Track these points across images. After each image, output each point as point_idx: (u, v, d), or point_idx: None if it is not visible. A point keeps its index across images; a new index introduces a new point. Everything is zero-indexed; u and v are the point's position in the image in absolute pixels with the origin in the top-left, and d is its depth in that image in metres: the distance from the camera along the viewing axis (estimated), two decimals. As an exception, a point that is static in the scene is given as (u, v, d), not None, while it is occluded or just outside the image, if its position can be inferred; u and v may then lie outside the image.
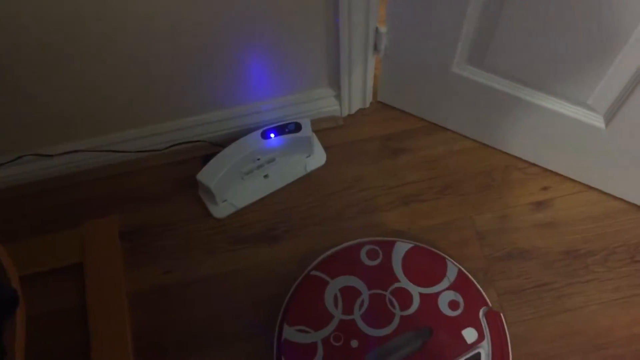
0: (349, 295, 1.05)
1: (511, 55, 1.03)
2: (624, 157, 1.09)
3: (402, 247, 1.09)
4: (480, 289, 1.06)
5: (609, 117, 1.03)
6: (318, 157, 1.27)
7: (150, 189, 1.25)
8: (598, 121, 1.06)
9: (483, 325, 1.02)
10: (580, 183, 1.22)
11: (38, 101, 1.08)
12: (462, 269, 1.07)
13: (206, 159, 1.19)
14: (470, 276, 1.07)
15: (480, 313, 1.03)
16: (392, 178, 1.25)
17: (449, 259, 1.09)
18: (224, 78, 1.13)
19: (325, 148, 1.27)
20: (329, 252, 1.11)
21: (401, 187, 1.24)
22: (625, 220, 1.18)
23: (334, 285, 1.05)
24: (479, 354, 1.00)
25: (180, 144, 1.25)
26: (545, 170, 1.23)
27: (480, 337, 1.01)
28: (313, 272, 1.07)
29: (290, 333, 1.02)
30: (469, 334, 1.01)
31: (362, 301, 1.04)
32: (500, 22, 0.96)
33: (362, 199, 1.23)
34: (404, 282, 1.05)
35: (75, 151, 1.20)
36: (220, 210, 1.22)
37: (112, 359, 1.09)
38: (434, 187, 1.23)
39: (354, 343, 1.01)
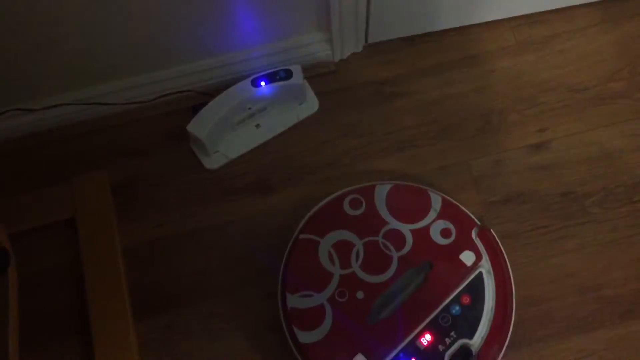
0: (342, 249, 1.04)
1: None
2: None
3: (382, 190, 1.08)
4: (466, 210, 1.06)
5: None
6: (311, 105, 1.24)
7: (140, 141, 1.23)
8: None
9: (478, 245, 1.03)
10: (577, 123, 1.19)
11: (18, 53, 1.04)
12: (445, 196, 1.07)
13: (196, 109, 1.16)
14: (454, 201, 1.07)
15: (473, 234, 1.03)
16: (387, 123, 1.22)
17: (430, 189, 1.08)
18: (210, 23, 1.09)
19: (318, 95, 1.24)
20: (311, 212, 1.09)
21: (396, 132, 1.21)
22: (623, 161, 1.17)
23: (326, 244, 1.04)
24: (480, 274, 1.00)
25: (168, 94, 1.21)
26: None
27: (478, 257, 1.02)
28: (302, 236, 1.05)
29: (295, 301, 1.01)
30: (467, 257, 1.02)
31: (357, 252, 1.03)
32: None
33: (357, 146, 1.20)
34: (393, 223, 1.05)
35: (60, 104, 1.17)
36: (213, 161, 1.20)
37: (110, 313, 1.08)
38: (430, 131, 1.21)
39: (360, 294, 1.00)
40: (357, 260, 1.03)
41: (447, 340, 0.97)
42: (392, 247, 1.03)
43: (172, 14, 1.04)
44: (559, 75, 1.24)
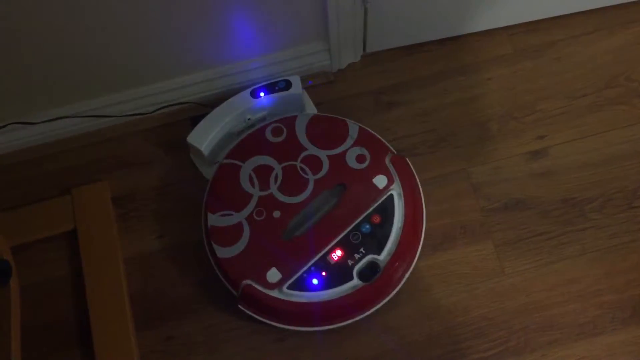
0: (262, 173, 1.10)
1: None
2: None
3: (303, 119, 1.14)
4: (382, 139, 1.13)
5: None
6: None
7: (140, 153, 1.23)
8: None
9: (391, 170, 1.09)
10: (575, 130, 1.20)
11: (18, 67, 1.05)
12: (363, 125, 1.14)
13: (195, 120, 1.17)
14: (371, 130, 1.14)
15: (386, 160, 1.10)
16: (385, 132, 1.22)
17: (349, 120, 1.14)
18: (209, 34, 1.10)
19: (317, 105, 1.25)
20: (236, 141, 1.14)
21: (395, 141, 1.21)
22: (623, 166, 1.17)
23: (247, 167, 1.11)
24: (391, 195, 1.07)
25: (168, 106, 1.22)
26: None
27: (390, 181, 1.08)
28: (225, 161, 1.12)
29: (215, 220, 1.08)
30: (380, 181, 1.08)
31: (276, 175, 1.10)
32: None
33: (355, 155, 1.21)
34: (312, 149, 1.11)
35: (60, 117, 1.17)
36: (213, 172, 1.20)
37: (111, 324, 1.08)
38: (428, 140, 1.21)
39: (276, 214, 1.07)
40: (275, 182, 1.09)
41: (357, 256, 1.04)
42: (309, 171, 1.09)
43: (170, 26, 1.05)
44: (557, 82, 1.25)
